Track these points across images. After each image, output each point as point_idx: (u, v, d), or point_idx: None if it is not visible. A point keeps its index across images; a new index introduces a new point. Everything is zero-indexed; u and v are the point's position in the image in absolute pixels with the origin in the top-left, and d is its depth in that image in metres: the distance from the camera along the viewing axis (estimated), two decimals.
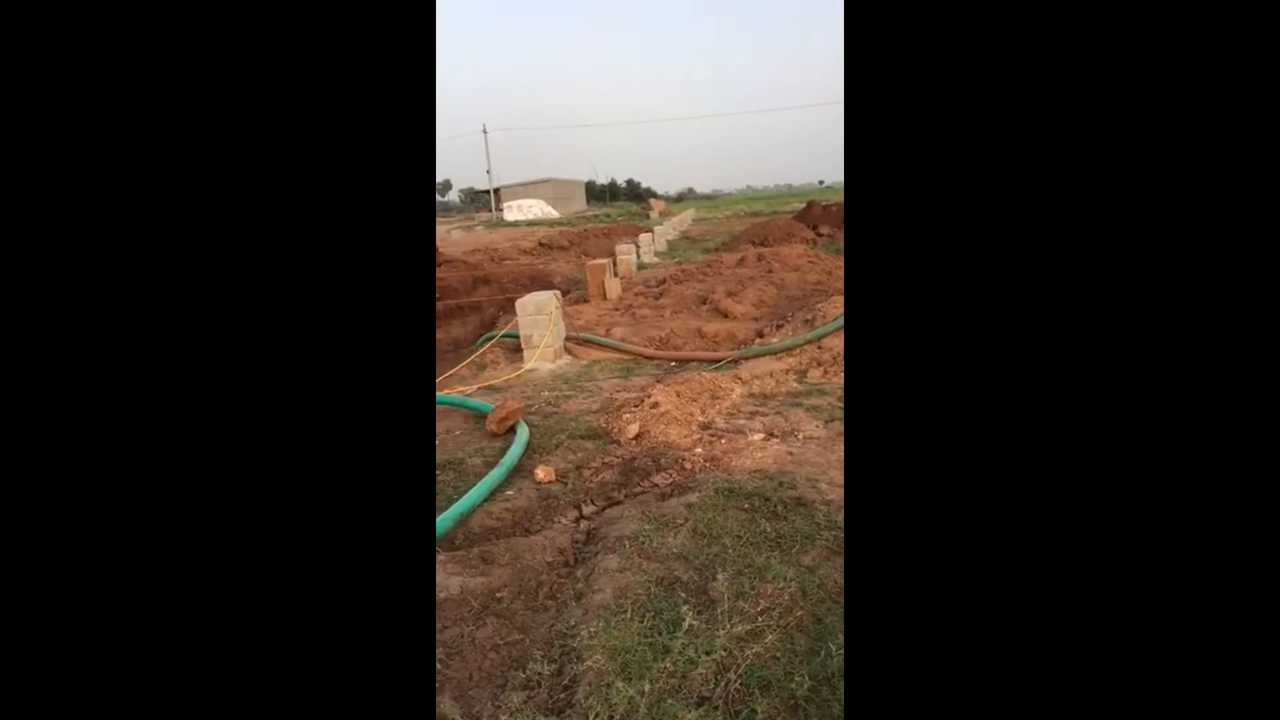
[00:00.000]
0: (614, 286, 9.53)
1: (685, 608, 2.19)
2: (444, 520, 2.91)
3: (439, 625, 2.28)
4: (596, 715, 1.75)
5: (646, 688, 1.82)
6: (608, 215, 32.67)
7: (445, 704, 1.89)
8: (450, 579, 2.55)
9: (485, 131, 49.92)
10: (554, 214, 35.97)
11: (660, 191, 73.76)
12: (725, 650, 1.97)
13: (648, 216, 34.50)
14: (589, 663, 1.96)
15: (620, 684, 1.85)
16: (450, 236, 23.78)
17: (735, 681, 1.84)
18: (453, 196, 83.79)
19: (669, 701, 1.79)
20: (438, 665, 2.05)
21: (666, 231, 21.13)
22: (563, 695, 1.90)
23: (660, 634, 2.07)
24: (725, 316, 7.61)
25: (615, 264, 11.55)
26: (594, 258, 12.69)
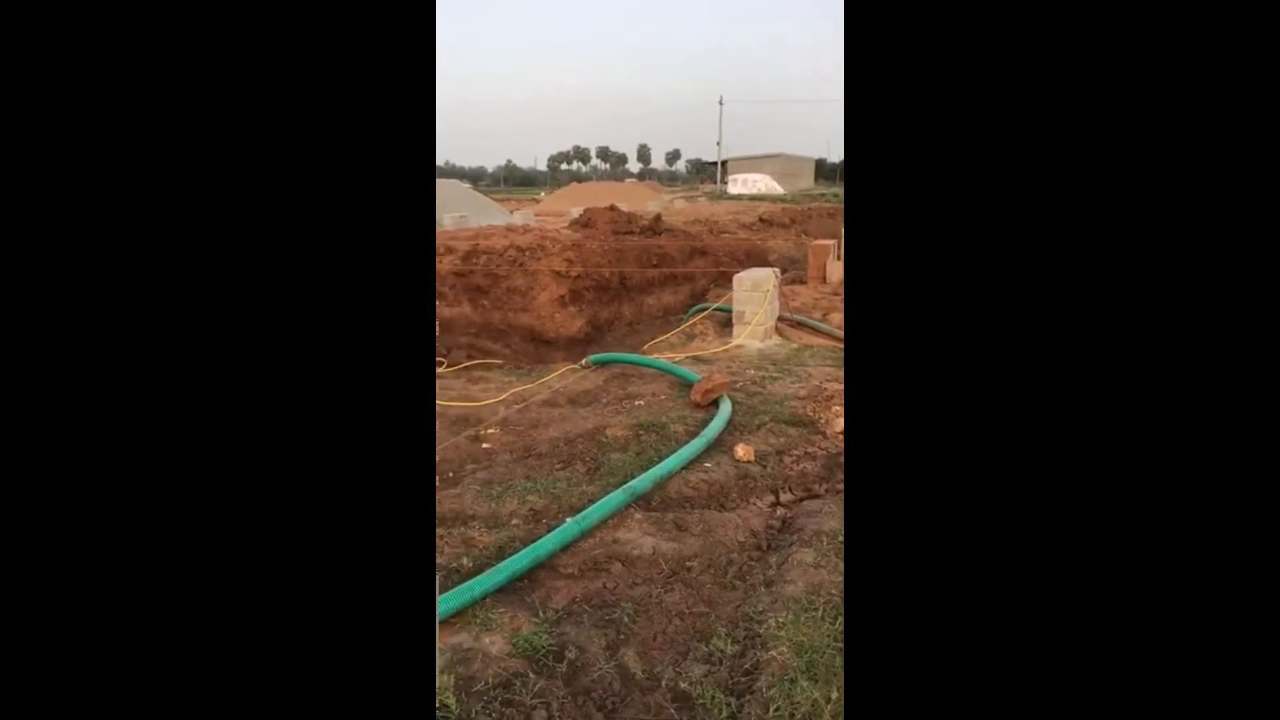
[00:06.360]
0: (836, 270, 9.14)
1: None
2: (643, 480, 3.00)
3: (630, 581, 2.36)
4: (778, 709, 1.70)
5: (834, 694, 1.73)
6: (836, 195, 31.29)
7: (629, 657, 1.96)
8: (644, 538, 2.63)
9: (721, 103, 50.12)
10: (779, 190, 35.24)
11: None
12: None
13: None
14: (773, 653, 1.91)
15: (805, 683, 1.78)
16: (673, 206, 24.32)
17: None
18: (680, 166, 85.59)
19: None
20: (625, 619, 2.13)
21: None
22: (744, 679, 1.87)
23: None
24: None
25: (840, 246, 11.06)
26: (816, 238, 12.26)
